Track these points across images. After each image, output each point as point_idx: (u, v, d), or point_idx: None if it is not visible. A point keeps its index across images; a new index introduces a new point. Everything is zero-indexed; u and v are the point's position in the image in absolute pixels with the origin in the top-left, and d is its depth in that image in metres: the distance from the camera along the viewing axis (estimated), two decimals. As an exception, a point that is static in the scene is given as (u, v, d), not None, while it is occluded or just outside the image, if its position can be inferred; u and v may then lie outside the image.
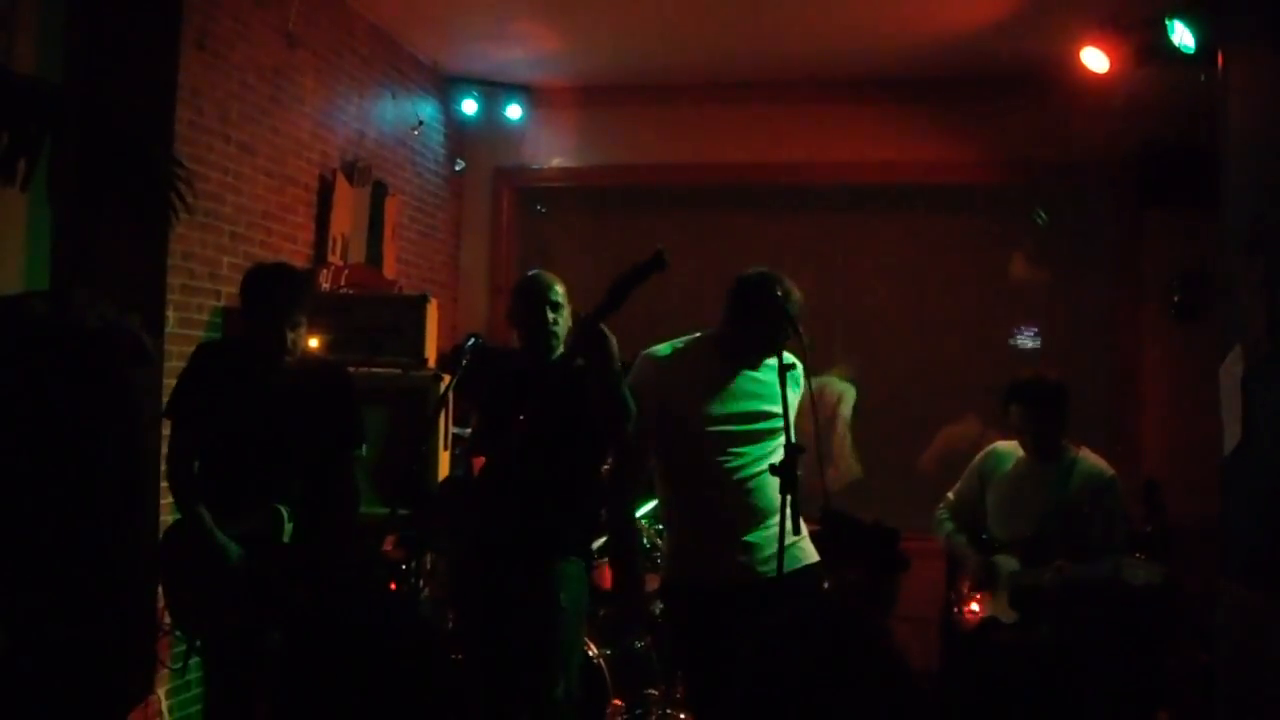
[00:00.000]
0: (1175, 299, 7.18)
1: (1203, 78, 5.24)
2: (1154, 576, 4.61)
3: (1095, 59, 6.14)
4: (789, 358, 3.88)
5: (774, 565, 3.75)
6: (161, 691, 4.94)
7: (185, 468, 4.10)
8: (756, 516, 3.96)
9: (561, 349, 4.33)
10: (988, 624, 4.97)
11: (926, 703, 2.24)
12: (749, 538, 3.94)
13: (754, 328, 3.98)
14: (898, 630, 4.81)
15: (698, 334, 4.16)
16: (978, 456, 5.29)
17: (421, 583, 5.04)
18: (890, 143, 7.57)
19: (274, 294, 4.09)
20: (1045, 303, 7.68)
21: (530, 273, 4.50)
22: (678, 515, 4.11)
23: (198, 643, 4.09)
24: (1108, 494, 4.93)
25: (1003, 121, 7.37)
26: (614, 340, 3.89)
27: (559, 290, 4.34)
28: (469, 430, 4.95)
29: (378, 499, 4.85)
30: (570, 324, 4.34)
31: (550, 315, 4.29)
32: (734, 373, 4.04)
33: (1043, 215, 7.64)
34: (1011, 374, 5.27)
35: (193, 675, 4.92)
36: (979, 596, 5.00)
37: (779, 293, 3.96)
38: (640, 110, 7.88)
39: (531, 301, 4.32)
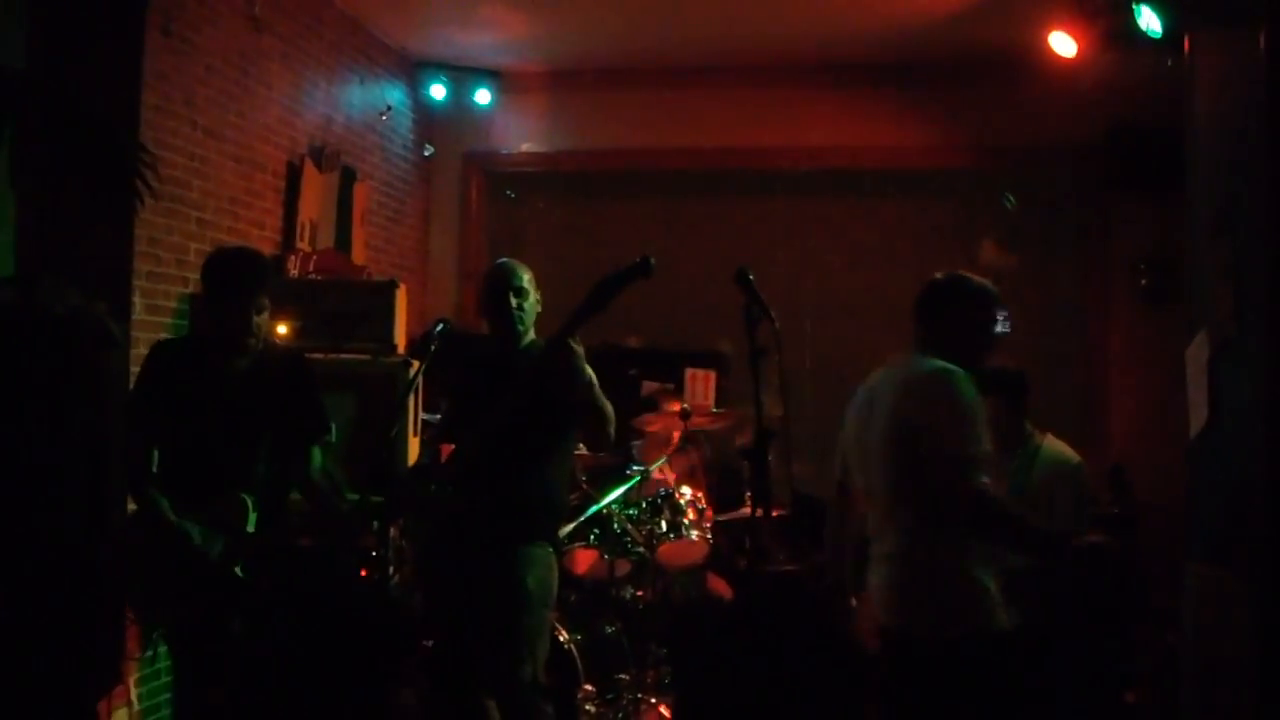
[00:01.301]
0: (1143, 283, 7.22)
1: (1170, 62, 5.25)
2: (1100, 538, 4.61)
3: (1063, 43, 6.17)
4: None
5: None
6: (130, 680, 4.91)
7: (139, 462, 4.06)
8: None
9: (531, 335, 4.35)
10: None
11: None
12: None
13: (969, 331, 3.79)
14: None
15: (918, 353, 3.87)
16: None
17: (392, 569, 5.03)
18: (859, 128, 7.59)
19: (237, 278, 4.03)
20: (1013, 287, 7.69)
21: (497, 261, 4.51)
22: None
23: (159, 631, 4.06)
24: (1072, 481, 4.92)
25: (971, 106, 7.39)
26: (580, 353, 3.90)
27: (524, 277, 4.36)
28: (438, 416, 4.94)
29: (348, 485, 4.83)
30: (539, 309, 4.39)
31: (514, 301, 4.30)
32: None
33: (1011, 200, 7.66)
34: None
35: (162, 664, 4.89)
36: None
37: (980, 289, 3.75)
38: (609, 95, 7.86)
39: (495, 289, 4.34)
